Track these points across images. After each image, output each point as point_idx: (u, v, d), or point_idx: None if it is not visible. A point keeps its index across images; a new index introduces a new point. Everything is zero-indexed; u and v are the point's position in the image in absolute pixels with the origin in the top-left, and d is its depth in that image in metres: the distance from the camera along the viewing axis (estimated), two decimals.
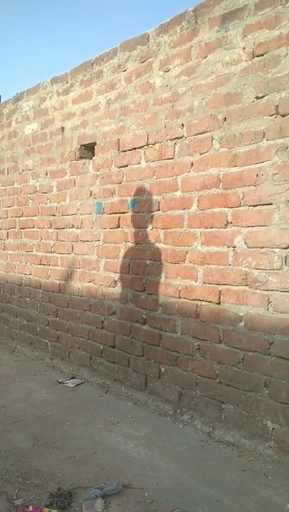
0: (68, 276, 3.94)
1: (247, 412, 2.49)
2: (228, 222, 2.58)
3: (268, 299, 2.38)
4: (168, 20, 2.94)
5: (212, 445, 2.52)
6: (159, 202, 3.02)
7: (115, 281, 3.42)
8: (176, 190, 2.90)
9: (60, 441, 2.57)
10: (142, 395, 3.12)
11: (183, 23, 2.83)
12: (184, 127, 2.82)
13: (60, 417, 2.90)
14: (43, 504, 1.97)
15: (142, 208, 3.15)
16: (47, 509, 1.91)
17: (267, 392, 2.39)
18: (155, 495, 2.05)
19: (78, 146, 3.76)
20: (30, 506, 1.93)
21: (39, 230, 4.31)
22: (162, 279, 3.01)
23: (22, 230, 4.60)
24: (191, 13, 2.78)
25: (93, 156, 3.64)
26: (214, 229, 2.65)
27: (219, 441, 2.54)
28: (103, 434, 2.67)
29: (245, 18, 2.48)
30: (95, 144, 3.59)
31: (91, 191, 3.64)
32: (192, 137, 2.78)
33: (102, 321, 3.55)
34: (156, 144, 3.02)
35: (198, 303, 2.76)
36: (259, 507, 1.97)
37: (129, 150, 3.25)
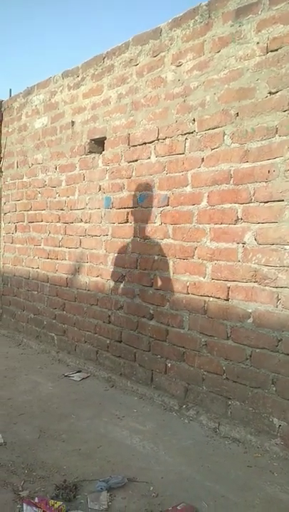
0: (76, 270, 3.94)
1: (253, 409, 2.49)
2: (238, 219, 2.57)
3: (277, 296, 2.37)
4: (181, 14, 2.92)
5: (218, 441, 2.51)
6: (169, 197, 3.01)
7: (123, 276, 3.41)
8: (186, 186, 2.88)
9: (66, 434, 2.58)
10: (147, 390, 3.12)
11: (196, 17, 2.81)
12: (196, 122, 2.81)
13: (66, 410, 2.90)
14: (48, 496, 1.97)
15: (151, 203, 3.15)
16: (52, 501, 1.91)
17: (274, 389, 2.38)
18: (160, 489, 2.05)
19: (88, 141, 3.76)
20: (36, 498, 1.93)
21: (47, 224, 4.32)
22: (170, 275, 3.00)
23: (30, 224, 4.60)
24: (204, 7, 2.76)
25: (103, 150, 3.63)
26: (224, 225, 2.64)
27: (225, 437, 2.54)
28: (109, 427, 2.67)
29: (259, 12, 2.46)
30: (105, 138, 3.58)
31: (100, 186, 3.63)
32: (203, 132, 2.76)
33: (109, 316, 3.55)
34: (167, 139, 3.01)
35: (206, 299, 2.75)
36: (264, 503, 1.96)
37: (140, 145, 3.24)
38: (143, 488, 2.06)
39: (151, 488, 2.06)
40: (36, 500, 1.91)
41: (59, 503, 1.90)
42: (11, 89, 5.12)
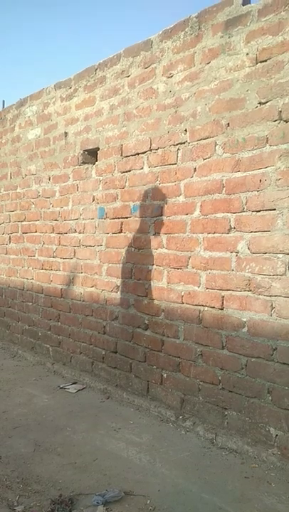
0: (70, 281, 3.93)
1: (250, 419, 2.48)
2: (231, 228, 2.58)
3: (272, 305, 2.37)
4: (171, 26, 2.95)
5: (214, 452, 2.50)
6: (162, 207, 3.02)
7: (117, 287, 3.41)
8: (179, 196, 2.89)
9: (61, 447, 2.56)
10: (143, 401, 3.10)
11: (186, 29, 2.84)
12: (187, 133, 2.83)
13: (62, 423, 2.88)
14: (44, 511, 1.95)
15: (145, 213, 3.15)
16: None
17: (270, 398, 2.38)
18: (157, 502, 2.03)
19: (81, 151, 3.77)
20: None
21: (41, 234, 4.31)
22: (165, 285, 3.00)
23: (24, 235, 4.60)
24: (194, 19, 2.79)
25: (96, 161, 3.64)
26: (217, 234, 2.65)
27: (222, 448, 2.52)
28: (105, 440, 2.65)
29: (248, 24, 2.49)
30: (98, 149, 3.60)
31: (94, 196, 3.64)
32: (195, 143, 2.78)
33: (104, 326, 3.54)
34: (160, 150, 3.03)
35: (201, 308, 2.75)
36: None
37: (132, 155, 3.25)
38: (140, 502, 2.03)
39: (148, 501, 2.04)
40: None
41: None
42: (4, 101, 5.15)
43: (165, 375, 3.01)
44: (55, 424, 2.87)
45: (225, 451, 2.49)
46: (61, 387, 3.54)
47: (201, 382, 2.76)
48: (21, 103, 4.62)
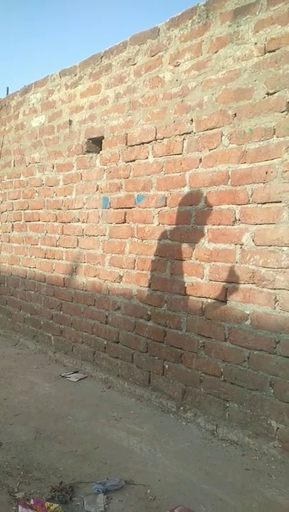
0: (73, 270, 3.92)
1: (251, 411, 2.48)
2: (236, 220, 2.56)
3: (275, 298, 2.36)
4: (179, 14, 2.90)
5: (215, 443, 2.51)
6: (166, 198, 2.99)
7: (120, 277, 3.40)
8: (183, 186, 2.87)
9: (62, 435, 2.57)
10: (145, 391, 3.11)
11: (194, 17, 2.79)
12: (193, 123, 2.79)
13: (63, 411, 2.89)
14: (44, 498, 1.96)
15: (149, 203, 3.13)
16: (48, 503, 1.90)
17: (272, 391, 2.38)
18: (157, 492, 2.04)
19: (86, 140, 3.74)
20: (32, 499, 1.92)
21: (44, 223, 4.30)
22: (168, 276, 2.99)
23: (27, 223, 4.58)
24: (202, 7, 2.74)
25: (100, 150, 3.61)
26: (222, 226, 2.63)
27: (222, 440, 2.53)
28: (105, 429, 2.66)
29: (257, 13, 2.45)
30: (102, 137, 3.57)
31: (98, 185, 3.62)
32: (201, 133, 2.75)
33: (107, 316, 3.54)
34: (165, 139, 3.00)
35: (204, 300, 2.74)
36: (262, 507, 1.96)
37: (137, 145, 3.22)
38: (140, 491, 2.05)
39: (149, 491, 2.05)
40: (32, 502, 1.90)
41: (55, 505, 1.89)
42: (8, 88, 5.11)
43: (167, 366, 3.01)
44: (56, 412, 2.89)
45: (226, 443, 2.50)
46: (62, 376, 3.55)
47: (202, 374, 2.76)
48: (26, 90, 4.58)
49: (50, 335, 4.24)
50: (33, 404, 3.00)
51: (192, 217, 2.81)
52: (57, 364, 3.89)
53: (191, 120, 2.81)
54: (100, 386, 3.36)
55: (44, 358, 4.03)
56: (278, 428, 2.34)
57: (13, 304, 4.89)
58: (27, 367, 3.79)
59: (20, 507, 1.86)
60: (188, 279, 2.85)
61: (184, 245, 2.87)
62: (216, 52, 2.66)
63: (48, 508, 1.87)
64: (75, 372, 3.62)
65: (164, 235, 3.02)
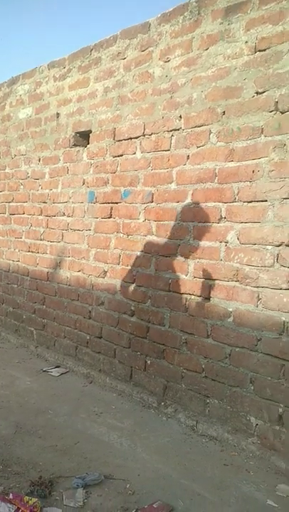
0: (57, 264, 3.90)
1: (231, 407, 2.50)
2: (221, 217, 2.57)
3: (258, 296, 2.38)
4: (170, 9, 2.89)
5: (195, 439, 2.52)
6: (153, 194, 2.99)
7: (105, 272, 3.39)
8: (170, 183, 2.87)
9: (43, 430, 2.56)
10: (126, 387, 3.11)
11: (185, 14, 2.79)
12: (182, 119, 2.79)
13: (44, 406, 2.88)
14: (23, 492, 1.95)
15: (136, 199, 3.13)
16: (27, 497, 1.89)
17: (252, 388, 2.40)
18: (136, 486, 2.05)
19: (73, 134, 3.71)
20: (11, 494, 1.91)
21: (29, 216, 4.26)
22: (152, 272, 2.99)
23: (12, 216, 4.53)
24: (194, 3, 2.74)
25: (88, 144, 3.59)
26: (207, 223, 2.64)
27: (202, 435, 2.55)
28: (86, 424, 2.66)
29: (249, 11, 2.46)
30: (90, 131, 3.54)
31: (84, 180, 3.60)
32: (189, 130, 2.75)
33: (90, 311, 3.53)
34: (153, 135, 2.99)
35: (188, 297, 2.75)
36: (240, 502, 1.98)
37: (125, 140, 3.21)
38: (119, 486, 2.05)
39: (128, 485, 2.06)
40: (11, 496, 1.89)
41: (34, 499, 1.88)
42: None
43: (149, 362, 3.01)
44: (37, 406, 2.87)
45: (205, 439, 2.51)
46: (44, 371, 3.53)
47: (184, 370, 2.77)
48: (13, 81, 4.52)
49: (32, 329, 4.21)
50: (14, 399, 2.98)
51: (178, 214, 2.82)
52: (39, 358, 3.86)
53: (180, 117, 2.81)
54: (81, 381, 3.35)
55: (26, 353, 4.01)
56: (257, 424, 2.37)
57: None
58: (8, 361, 3.76)
59: None
60: (172, 276, 2.85)
61: (170, 242, 2.87)
62: (206, 49, 2.66)
63: (27, 502, 1.86)
64: (56, 367, 3.61)
65: (149, 231, 3.02)
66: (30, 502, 1.86)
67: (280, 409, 2.28)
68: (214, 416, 2.59)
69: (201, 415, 2.65)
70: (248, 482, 2.12)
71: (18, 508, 1.81)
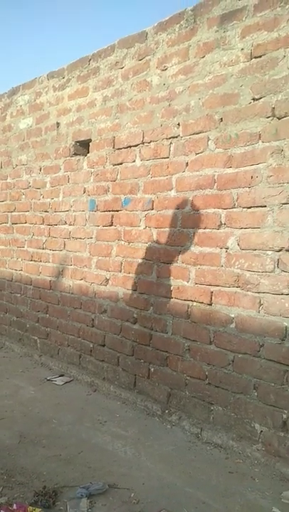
0: (59, 273, 3.91)
1: (235, 414, 2.49)
2: (221, 224, 2.57)
3: (260, 301, 2.37)
4: (166, 18, 2.92)
5: (199, 446, 2.51)
6: (153, 201, 3.00)
7: (107, 280, 3.40)
8: (170, 190, 2.88)
9: (47, 440, 2.55)
10: (130, 395, 3.11)
11: (182, 22, 2.81)
12: (180, 127, 2.81)
13: (48, 415, 2.88)
14: (27, 502, 1.95)
15: (136, 206, 3.14)
16: (31, 507, 1.89)
17: (256, 394, 2.39)
18: (141, 495, 2.04)
19: (73, 143, 3.73)
20: (15, 504, 1.91)
21: (31, 225, 4.28)
22: (154, 279, 2.99)
23: (14, 226, 4.56)
24: (190, 12, 2.76)
25: (88, 152, 3.61)
26: (208, 230, 2.64)
27: (207, 443, 2.53)
28: (90, 432, 2.65)
29: (244, 19, 2.47)
30: (90, 140, 3.57)
31: (85, 188, 3.61)
32: (188, 137, 2.76)
33: (93, 319, 3.53)
34: (152, 143, 3.01)
35: (190, 303, 2.75)
36: (245, 510, 1.96)
37: (125, 148, 3.23)
38: (124, 495, 2.04)
39: (132, 494, 2.05)
40: (15, 506, 1.89)
41: (38, 509, 1.88)
42: None
43: (152, 369, 3.01)
44: (41, 416, 2.87)
45: (210, 446, 2.50)
46: (48, 380, 3.53)
47: (188, 377, 2.77)
48: (13, 92, 4.56)
49: (36, 338, 4.21)
50: (18, 408, 2.97)
51: (178, 220, 2.82)
52: (42, 367, 3.86)
53: (178, 124, 2.82)
54: (85, 389, 3.34)
55: (30, 362, 4.01)
56: (262, 431, 2.36)
57: None
58: (12, 370, 3.76)
59: None
60: (174, 283, 2.86)
61: (171, 248, 2.88)
62: (202, 57, 2.68)
63: None
64: (60, 376, 3.61)
65: (150, 238, 3.03)
66: None
67: (284, 415, 2.27)
68: (219, 423, 2.58)
69: (206, 422, 2.64)
70: (253, 489, 2.11)
71: None
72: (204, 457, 2.40)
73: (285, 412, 2.27)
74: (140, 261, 3.11)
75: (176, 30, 2.85)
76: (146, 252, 3.06)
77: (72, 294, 3.76)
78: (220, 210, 2.58)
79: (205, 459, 2.38)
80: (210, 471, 2.25)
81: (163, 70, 2.93)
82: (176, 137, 2.84)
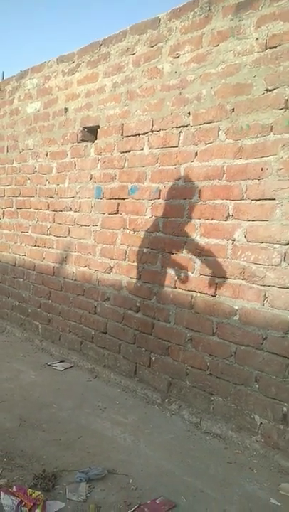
0: (63, 259, 3.91)
1: (236, 405, 2.50)
2: (229, 215, 2.56)
3: (265, 294, 2.37)
4: (180, 5, 2.88)
5: (199, 436, 2.53)
6: (160, 190, 2.99)
7: (111, 268, 3.39)
8: (178, 179, 2.86)
9: (47, 424, 2.57)
10: (130, 382, 3.12)
11: (196, 10, 2.77)
12: (191, 116, 2.78)
13: (48, 400, 2.89)
14: (26, 485, 1.96)
15: (143, 195, 3.12)
16: (31, 490, 1.90)
17: (257, 386, 2.40)
18: (139, 482, 2.05)
19: (81, 129, 3.70)
20: (14, 486, 1.92)
21: (36, 211, 4.27)
22: (159, 268, 2.99)
23: (18, 210, 4.54)
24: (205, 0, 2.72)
25: (96, 139, 3.58)
26: (215, 221, 2.63)
27: (206, 433, 2.55)
28: (90, 418, 2.67)
29: (260, 8, 2.44)
30: (98, 127, 3.54)
31: (91, 175, 3.59)
32: (198, 126, 2.74)
33: (95, 307, 3.53)
34: (161, 131, 2.98)
35: (194, 294, 2.75)
36: (243, 500, 1.98)
37: (133, 135, 3.20)
38: (122, 481, 2.06)
39: (131, 480, 2.06)
40: (14, 489, 1.90)
41: (37, 492, 1.89)
42: (3, 72, 5.03)
43: (154, 358, 3.02)
44: (41, 400, 2.88)
45: (209, 436, 2.52)
46: (49, 365, 3.54)
47: (189, 367, 2.77)
48: (22, 75, 4.52)
49: (37, 323, 4.22)
50: (18, 392, 2.99)
51: (185, 210, 2.81)
52: (43, 353, 3.88)
53: (189, 113, 2.80)
54: (85, 376, 3.36)
55: (31, 346, 4.02)
56: (261, 423, 2.37)
57: (0, 291, 4.86)
58: (13, 354, 3.77)
59: (2, 494, 1.85)
60: (178, 273, 2.85)
61: (176, 239, 2.87)
62: (216, 45, 2.65)
63: (31, 495, 1.87)
64: (61, 362, 3.62)
65: (156, 228, 3.02)
66: (33, 495, 1.87)
67: (285, 408, 2.28)
68: (218, 413, 2.59)
69: (205, 412, 2.65)
70: (251, 480, 2.12)
71: (22, 501, 1.82)
72: (203, 447, 2.41)
73: (286, 405, 2.28)
74: (145, 250, 3.10)
75: (190, 17, 2.81)
76: (151, 242, 3.05)
77: (75, 280, 3.76)
78: (228, 202, 2.56)
79: (204, 449, 2.39)
80: (208, 461, 2.27)
81: (175, 58, 2.89)
82: (186, 126, 2.81)
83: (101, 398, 2.96)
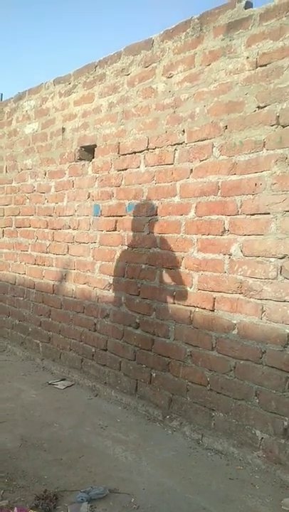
0: (63, 277, 3.92)
1: (236, 421, 2.49)
2: (225, 230, 2.59)
3: (262, 308, 2.38)
4: (173, 26, 2.95)
5: (200, 452, 2.51)
6: (157, 207, 3.02)
7: (110, 284, 3.41)
8: (174, 196, 2.90)
9: (48, 443, 2.56)
10: (131, 400, 3.11)
11: (188, 30, 2.84)
12: (185, 133, 2.83)
13: (49, 419, 2.88)
14: (28, 506, 1.95)
15: (140, 212, 3.16)
16: (32, 511, 1.89)
17: (257, 401, 2.39)
18: (141, 500, 2.04)
19: (78, 148, 3.76)
20: (16, 508, 1.91)
21: (35, 229, 4.30)
22: (157, 284, 3.00)
23: (18, 229, 4.58)
24: (196, 20, 2.79)
25: (93, 158, 3.63)
26: (211, 236, 2.66)
27: (208, 449, 2.53)
28: (91, 437, 2.66)
29: (250, 27, 2.50)
30: (95, 146, 3.59)
31: (89, 193, 3.64)
32: (192, 144, 2.78)
33: (95, 324, 3.54)
34: (157, 149, 3.03)
35: (192, 309, 2.76)
36: None
37: (129, 154, 3.25)
38: (124, 500, 2.04)
39: (133, 499, 2.05)
40: (16, 510, 1.89)
41: None
42: (1, 94, 5.11)
43: (154, 375, 3.01)
44: (43, 419, 2.87)
45: (210, 452, 2.50)
46: (50, 383, 3.53)
47: (189, 383, 2.77)
48: (19, 97, 4.60)
49: (38, 342, 4.22)
50: (19, 412, 2.98)
51: (182, 226, 2.84)
52: (44, 371, 3.87)
53: (183, 131, 2.84)
54: (86, 394, 3.35)
55: (31, 365, 4.01)
56: (263, 438, 2.36)
57: (1, 310, 4.87)
58: (14, 373, 3.77)
59: None
60: (177, 288, 2.87)
61: (174, 254, 2.89)
62: (208, 65, 2.71)
63: None
64: (62, 380, 3.61)
65: (154, 244, 3.04)
66: None
67: (285, 423, 2.27)
68: (220, 429, 2.58)
69: (207, 428, 2.64)
70: (253, 496, 2.10)
71: None
72: (205, 463, 2.40)
73: (286, 419, 2.27)
74: (143, 266, 3.12)
75: (182, 38, 2.87)
76: (149, 258, 3.07)
77: (75, 298, 3.78)
78: (223, 217, 2.59)
79: (205, 465, 2.38)
80: (210, 477, 2.25)
81: (169, 77, 2.95)
82: (181, 144, 2.86)
83: (102, 416, 2.95)
